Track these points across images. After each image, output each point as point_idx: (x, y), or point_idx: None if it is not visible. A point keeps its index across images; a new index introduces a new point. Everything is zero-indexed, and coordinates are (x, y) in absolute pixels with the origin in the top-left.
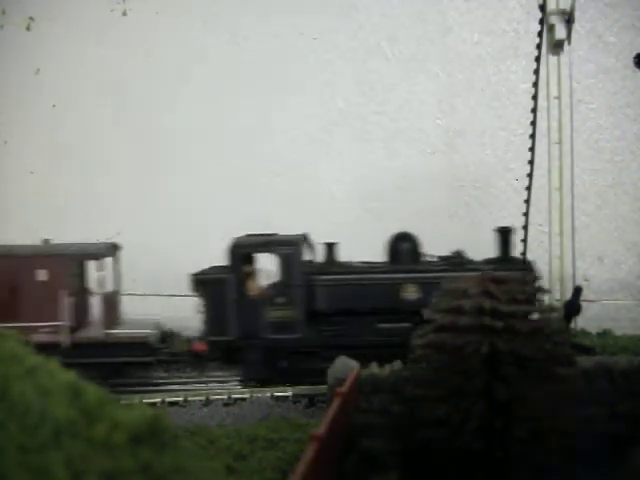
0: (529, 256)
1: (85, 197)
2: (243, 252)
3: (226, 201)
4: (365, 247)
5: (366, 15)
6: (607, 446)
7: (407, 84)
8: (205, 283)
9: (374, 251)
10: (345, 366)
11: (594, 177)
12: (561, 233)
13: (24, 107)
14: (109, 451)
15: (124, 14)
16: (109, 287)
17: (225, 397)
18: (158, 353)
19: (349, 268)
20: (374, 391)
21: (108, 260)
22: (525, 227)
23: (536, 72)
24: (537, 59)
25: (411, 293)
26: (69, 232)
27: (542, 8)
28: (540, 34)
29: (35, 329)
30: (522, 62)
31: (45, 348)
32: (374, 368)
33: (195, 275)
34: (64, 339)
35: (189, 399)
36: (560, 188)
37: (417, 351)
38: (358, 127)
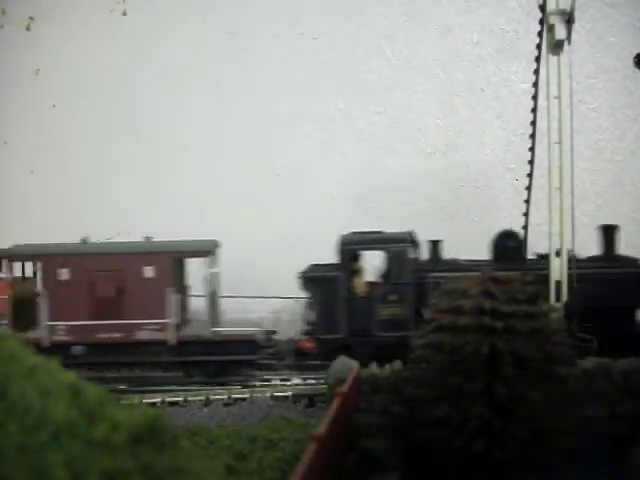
0: (528, 256)
1: (85, 197)
2: (352, 250)
3: (226, 201)
4: None
5: (366, 15)
6: (607, 446)
7: (407, 84)
8: (315, 281)
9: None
10: (345, 366)
11: (594, 177)
12: (561, 233)
13: (24, 107)
14: (109, 451)
15: (124, 14)
16: (212, 285)
17: (225, 397)
18: (264, 351)
19: (457, 266)
20: (374, 391)
21: (212, 257)
22: (525, 227)
23: (536, 72)
24: (537, 59)
25: None
26: (69, 232)
27: (542, 8)
28: (540, 34)
29: (141, 326)
30: (522, 62)
31: (151, 345)
32: (374, 368)
33: (304, 273)
34: (170, 337)
35: (189, 399)
36: (560, 188)
37: (417, 351)
38: (358, 127)
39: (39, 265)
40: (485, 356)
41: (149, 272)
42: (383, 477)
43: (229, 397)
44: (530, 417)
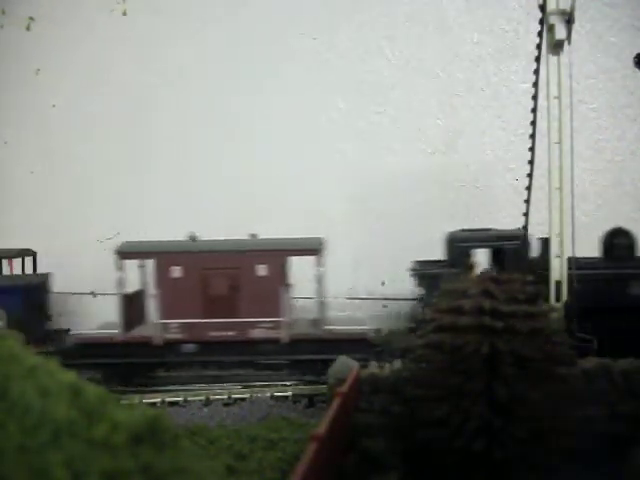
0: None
1: (85, 197)
2: (465, 247)
3: (226, 201)
4: (365, 247)
5: (366, 15)
6: (607, 446)
7: (407, 84)
8: (428, 278)
9: (373, 250)
10: (345, 366)
11: (594, 177)
12: (561, 233)
13: (24, 107)
14: (109, 451)
15: (124, 14)
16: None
17: (225, 397)
18: (375, 349)
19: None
20: (374, 391)
21: (321, 255)
22: (525, 227)
23: (536, 72)
24: (537, 59)
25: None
26: (70, 232)
27: (542, 8)
28: (540, 34)
29: (254, 325)
30: (522, 62)
31: (264, 344)
32: (374, 368)
33: (416, 270)
34: (284, 335)
35: (189, 399)
36: (560, 188)
37: (417, 351)
38: (358, 127)
39: (152, 263)
40: (485, 356)
41: (263, 270)
42: (383, 477)
43: (229, 397)
44: (530, 417)
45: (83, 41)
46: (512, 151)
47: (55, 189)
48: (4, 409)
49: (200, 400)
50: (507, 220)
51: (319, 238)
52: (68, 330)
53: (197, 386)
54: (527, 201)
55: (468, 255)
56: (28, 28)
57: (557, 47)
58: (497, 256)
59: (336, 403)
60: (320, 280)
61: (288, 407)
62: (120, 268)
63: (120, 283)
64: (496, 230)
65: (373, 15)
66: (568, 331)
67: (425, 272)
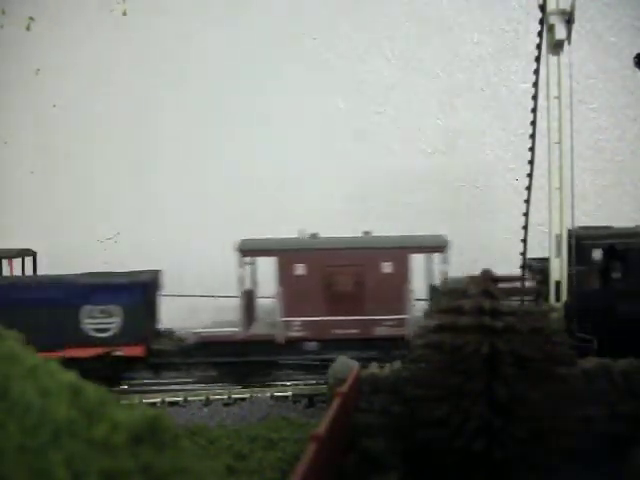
0: (529, 256)
1: (85, 197)
2: (591, 245)
3: (225, 201)
4: None
5: (366, 15)
6: (607, 446)
7: (407, 84)
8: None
9: None
10: (345, 366)
11: (594, 177)
12: (561, 233)
13: (24, 107)
14: (109, 451)
15: (124, 14)
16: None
17: (225, 397)
18: None
19: None
20: (374, 391)
21: (445, 253)
22: (525, 227)
23: (536, 72)
24: (537, 59)
25: None
26: (70, 232)
27: (542, 8)
28: (540, 34)
29: (378, 322)
30: (522, 62)
31: (387, 341)
32: (374, 368)
33: (531, 266)
34: (408, 333)
35: (189, 399)
36: (560, 188)
37: (417, 351)
38: (358, 127)
39: (275, 260)
40: (485, 356)
41: (387, 267)
42: (383, 477)
43: (229, 397)
44: (530, 417)
45: (83, 41)
46: (512, 151)
47: (55, 189)
48: (4, 409)
49: (200, 400)
50: (507, 220)
51: (442, 236)
52: (171, 330)
53: (197, 386)
54: (527, 201)
55: (591, 252)
56: (28, 28)
57: (557, 47)
58: (617, 254)
59: (336, 403)
60: (442, 276)
61: (288, 407)
62: (242, 266)
63: (241, 281)
64: (618, 228)
65: (373, 15)
66: (568, 331)
67: (542, 268)
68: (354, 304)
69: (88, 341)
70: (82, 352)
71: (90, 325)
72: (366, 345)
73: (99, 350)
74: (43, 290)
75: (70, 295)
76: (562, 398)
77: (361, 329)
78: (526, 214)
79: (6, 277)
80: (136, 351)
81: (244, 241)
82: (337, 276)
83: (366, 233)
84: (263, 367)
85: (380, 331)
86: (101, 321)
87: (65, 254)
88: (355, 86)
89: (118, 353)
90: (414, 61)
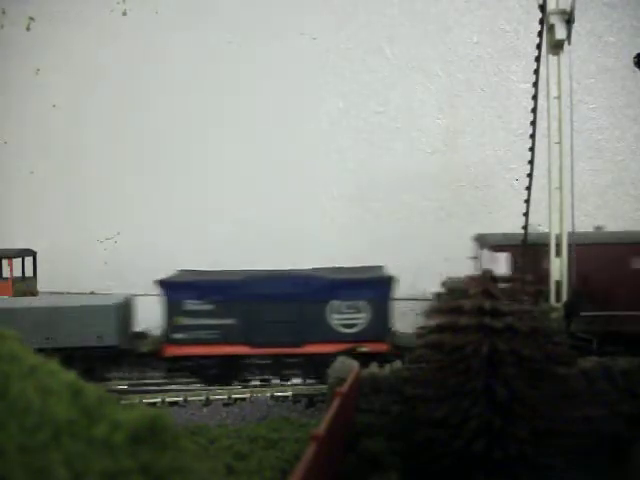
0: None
1: (85, 197)
2: None
3: (225, 201)
4: (365, 246)
5: (366, 15)
6: (607, 446)
7: (407, 84)
8: None
9: (373, 250)
10: (345, 366)
11: (594, 177)
12: (561, 233)
13: (24, 107)
14: (109, 451)
15: (124, 14)
16: None
17: (225, 397)
18: None
19: None
20: (374, 391)
21: None
22: (525, 227)
23: (536, 72)
24: (537, 59)
25: None
26: (70, 232)
27: (542, 8)
28: (540, 34)
29: (629, 319)
30: (522, 62)
31: None
32: (374, 368)
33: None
34: None
35: (189, 399)
36: (560, 188)
37: (417, 351)
38: (358, 127)
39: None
40: (485, 356)
41: (638, 263)
42: (383, 477)
43: (229, 397)
44: (530, 417)
45: (83, 41)
46: (512, 151)
47: (55, 189)
48: (4, 409)
49: (200, 400)
50: (507, 220)
51: None
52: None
53: (197, 386)
54: (527, 201)
55: None
56: (28, 28)
57: (557, 47)
58: None
59: (336, 403)
60: None
61: (288, 407)
62: (491, 261)
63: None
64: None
65: (373, 15)
66: (568, 331)
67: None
68: (602, 299)
69: (334, 337)
70: (325, 348)
71: (337, 321)
72: None
73: (342, 346)
74: (288, 284)
75: (317, 290)
76: (562, 398)
77: None
78: (526, 214)
79: (245, 271)
80: (381, 347)
81: (484, 235)
82: None
83: (598, 228)
84: None
85: (631, 328)
86: (349, 317)
87: (65, 254)
88: (355, 86)
89: (363, 349)
90: (414, 61)
